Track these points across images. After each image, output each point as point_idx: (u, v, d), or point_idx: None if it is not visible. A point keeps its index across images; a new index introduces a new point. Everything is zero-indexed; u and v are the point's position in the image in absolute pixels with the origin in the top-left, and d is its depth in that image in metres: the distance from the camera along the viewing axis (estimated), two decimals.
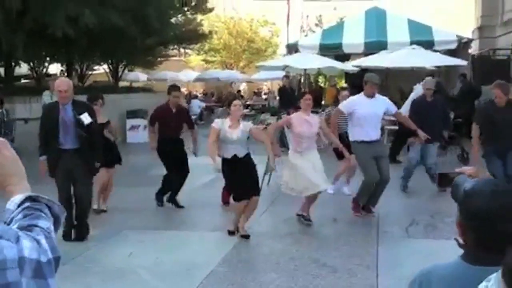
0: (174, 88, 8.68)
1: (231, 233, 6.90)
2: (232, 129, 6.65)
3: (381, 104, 7.75)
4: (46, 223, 1.49)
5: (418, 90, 12.36)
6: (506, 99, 7.28)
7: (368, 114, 7.52)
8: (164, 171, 8.55)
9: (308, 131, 7.15)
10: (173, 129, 8.36)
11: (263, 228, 7.40)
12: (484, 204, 1.83)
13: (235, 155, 6.71)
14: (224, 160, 6.68)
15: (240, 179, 6.70)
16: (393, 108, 7.98)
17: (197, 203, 8.60)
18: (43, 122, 6.86)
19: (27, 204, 1.52)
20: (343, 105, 7.86)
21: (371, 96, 7.60)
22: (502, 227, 1.79)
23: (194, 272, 5.73)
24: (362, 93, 7.74)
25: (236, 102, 6.86)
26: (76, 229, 6.80)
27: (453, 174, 2.21)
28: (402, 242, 6.83)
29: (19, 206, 1.52)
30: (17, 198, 1.53)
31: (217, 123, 6.78)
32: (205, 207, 8.42)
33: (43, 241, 1.42)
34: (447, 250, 1.99)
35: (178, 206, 8.43)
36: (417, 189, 9.09)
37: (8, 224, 1.47)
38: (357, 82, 15.32)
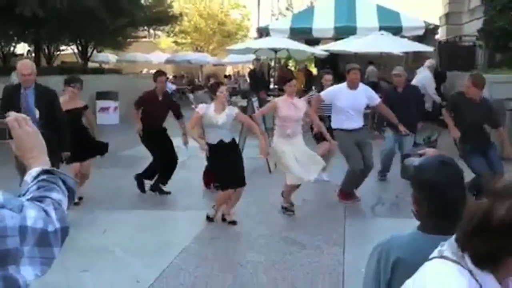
0: (159, 73, 8.39)
1: (209, 219, 6.82)
2: (217, 113, 6.54)
3: (363, 95, 7.63)
4: (58, 195, 1.58)
5: (423, 73, 12.34)
6: (478, 92, 6.88)
7: (349, 106, 7.48)
8: (136, 152, 8.60)
9: (295, 115, 7.02)
10: (158, 118, 8.12)
11: (234, 208, 7.56)
12: (434, 174, 2.06)
13: (221, 140, 6.61)
14: (210, 146, 6.60)
15: (227, 167, 6.57)
16: (375, 100, 7.85)
17: (171, 184, 8.69)
18: (3, 105, 6.51)
19: (42, 176, 1.61)
20: (325, 94, 7.77)
21: (354, 86, 7.51)
22: (451, 194, 2.01)
23: (167, 250, 5.88)
24: (345, 83, 7.62)
25: (222, 88, 6.70)
26: None
27: (416, 156, 2.37)
28: (369, 220, 7.11)
29: (35, 178, 1.61)
30: (34, 171, 1.63)
31: (201, 108, 6.59)
32: (179, 188, 8.53)
33: (52, 212, 1.51)
34: (410, 228, 2.21)
35: (163, 192, 8.27)
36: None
37: (24, 195, 1.57)
38: (325, 66, 15.57)
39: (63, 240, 1.54)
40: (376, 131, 9.66)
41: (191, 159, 9.69)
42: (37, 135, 1.71)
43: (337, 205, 7.62)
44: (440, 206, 2.05)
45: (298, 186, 7.22)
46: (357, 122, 7.62)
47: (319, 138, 8.36)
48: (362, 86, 7.70)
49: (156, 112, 8.05)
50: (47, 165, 1.67)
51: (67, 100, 7.27)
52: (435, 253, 1.68)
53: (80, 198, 7.71)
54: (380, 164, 8.96)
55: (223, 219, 6.86)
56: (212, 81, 8.44)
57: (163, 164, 8.23)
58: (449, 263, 1.57)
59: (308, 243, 6.05)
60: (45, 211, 1.49)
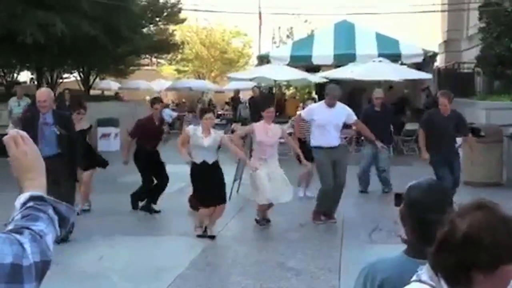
0: (155, 100, 9.12)
1: (201, 236, 7.14)
2: (204, 136, 6.98)
3: (341, 113, 8.03)
4: (42, 225, 1.44)
5: None
6: (449, 107, 7.82)
7: (326, 121, 7.85)
8: (136, 178, 8.68)
9: (270, 140, 7.49)
10: (154, 141, 8.64)
11: (231, 233, 7.58)
12: (421, 195, 2.13)
13: (204, 161, 7.04)
14: (194, 165, 7.07)
15: (208, 186, 7.01)
16: (352, 118, 8.28)
17: (167, 209, 8.73)
18: (23, 127, 7.00)
19: (29, 204, 1.47)
20: (304, 112, 8.37)
21: (332, 105, 7.91)
22: (432, 216, 2.04)
23: (163, 275, 5.88)
24: (323, 101, 8.12)
25: (208, 115, 7.16)
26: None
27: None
28: (365, 247, 7.06)
29: (23, 205, 1.48)
30: (23, 196, 1.49)
31: (190, 129, 7.16)
32: (174, 213, 8.56)
33: (27, 245, 1.37)
34: None
35: (153, 211, 8.60)
36: (381, 196, 9.37)
37: (9, 224, 1.45)
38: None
39: (43, 275, 1.40)
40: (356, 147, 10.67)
41: (186, 186, 9.70)
42: (35, 156, 1.56)
43: (334, 231, 7.61)
44: (421, 227, 2.09)
45: (270, 205, 7.64)
46: (334, 140, 7.93)
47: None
48: (340, 105, 8.06)
49: (153, 136, 8.61)
50: (43, 189, 1.53)
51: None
52: (414, 276, 1.72)
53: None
54: (358, 180, 9.80)
55: (205, 231, 7.19)
56: (199, 106, 8.94)
57: (155, 184, 8.68)
58: (425, 287, 1.60)
59: (304, 269, 6.04)
60: (21, 245, 1.36)
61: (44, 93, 7.10)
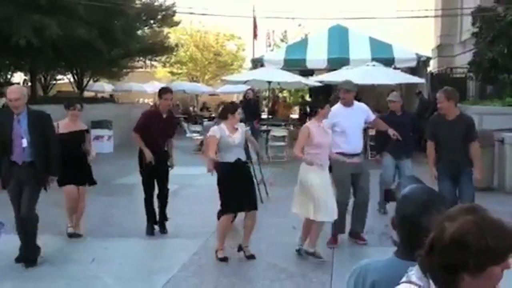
0: (165, 90, 7.72)
1: (223, 259, 6.44)
2: (231, 133, 6.46)
3: (361, 112, 7.35)
4: None
5: None
6: (452, 107, 6.65)
7: (348, 123, 7.05)
8: (129, 181, 8.62)
9: (327, 141, 6.54)
10: (161, 138, 7.53)
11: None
12: (414, 211, 2.08)
13: (238, 159, 6.51)
14: (226, 165, 6.41)
15: (241, 188, 6.41)
16: (372, 115, 7.52)
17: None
18: None
19: None
20: (326, 122, 6.83)
21: (349, 104, 7.21)
22: (425, 232, 2.06)
23: (156, 277, 5.89)
24: (339, 103, 7.24)
25: (239, 111, 6.77)
26: (23, 250, 6.21)
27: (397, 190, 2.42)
28: (358, 249, 7.10)
29: None
30: None
31: (216, 131, 6.42)
32: (169, 216, 8.54)
33: None
34: None
35: (164, 231, 7.70)
36: (374, 200, 9.37)
37: None
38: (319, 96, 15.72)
39: None
40: (376, 155, 9.32)
41: (183, 188, 9.74)
42: None
43: (327, 234, 7.60)
44: (410, 239, 2.09)
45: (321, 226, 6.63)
46: (357, 145, 7.17)
47: None
48: (357, 103, 7.42)
49: (159, 132, 7.45)
50: None
51: (67, 123, 7.33)
52: (404, 277, 1.75)
53: (79, 235, 7.47)
54: (379, 194, 8.60)
55: (239, 250, 6.58)
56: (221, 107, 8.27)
57: (159, 200, 7.77)
58: None
59: (297, 271, 6.07)
60: None
61: (13, 90, 6.15)
